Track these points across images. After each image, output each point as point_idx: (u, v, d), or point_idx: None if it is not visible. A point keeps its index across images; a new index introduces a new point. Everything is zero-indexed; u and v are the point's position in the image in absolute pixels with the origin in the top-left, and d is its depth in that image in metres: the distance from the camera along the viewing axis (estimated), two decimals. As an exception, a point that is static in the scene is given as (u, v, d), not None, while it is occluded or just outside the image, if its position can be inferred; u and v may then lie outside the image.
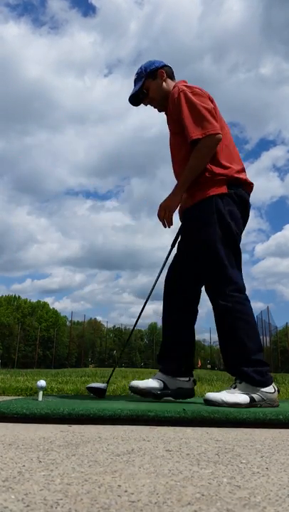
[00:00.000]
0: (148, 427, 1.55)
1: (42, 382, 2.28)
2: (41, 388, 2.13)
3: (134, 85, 2.42)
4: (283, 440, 1.34)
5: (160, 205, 2.31)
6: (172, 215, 2.30)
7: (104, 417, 1.60)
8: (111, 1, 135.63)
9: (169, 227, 2.34)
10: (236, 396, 1.98)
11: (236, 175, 2.21)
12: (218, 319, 2.15)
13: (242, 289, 2.12)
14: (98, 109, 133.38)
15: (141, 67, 2.41)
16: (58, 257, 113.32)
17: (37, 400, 2.07)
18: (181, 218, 2.42)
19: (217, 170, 2.17)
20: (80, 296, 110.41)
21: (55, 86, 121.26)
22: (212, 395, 2.01)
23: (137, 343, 67.59)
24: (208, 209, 2.16)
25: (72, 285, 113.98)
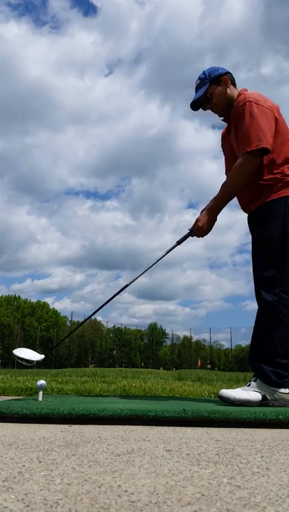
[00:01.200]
0: (148, 427, 1.55)
1: (42, 382, 2.28)
2: (41, 388, 2.13)
3: (197, 90, 2.43)
4: (283, 440, 1.34)
5: (196, 225, 2.34)
6: (208, 233, 2.37)
7: (104, 417, 1.60)
8: (112, 0, 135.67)
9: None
10: (248, 393, 2.04)
11: None
12: (259, 315, 2.18)
13: None
14: (99, 108, 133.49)
15: (204, 73, 2.41)
16: (58, 257, 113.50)
17: (37, 399, 2.07)
18: (248, 221, 2.41)
19: (288, 170, 2.19)
20: (80, 296, 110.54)
21: (56, 86, 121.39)
22: (226, 392, 2.07)
23: (137, 343, 67.56)
24: (275, 210, 2.18)
25: (72, 285, 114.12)
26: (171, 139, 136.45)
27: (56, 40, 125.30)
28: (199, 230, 2.33)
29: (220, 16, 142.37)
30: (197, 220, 2.33)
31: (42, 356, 2.07)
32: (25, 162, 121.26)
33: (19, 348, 2.15)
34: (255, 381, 2.08)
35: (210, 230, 2.36)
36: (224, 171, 2.58)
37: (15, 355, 2.03)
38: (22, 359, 2.00)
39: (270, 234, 2.18)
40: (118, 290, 2.49)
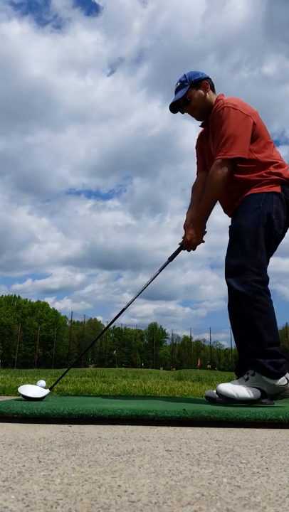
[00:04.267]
0: (148, 427, 1.55)
1: (42, 382, 2.28)
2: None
3: (176, 93, 2.44)
4: (283, 440, 1.34)
5: (186, 239, 2.36)
6: (198, 245, 2.41)
7: (104, 417, 1.60)
8: None
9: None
10: (248, 390, 2.03)
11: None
12: (234, 307, 2.17)
13: (265, 282, 2.13)
14: (100, 108, 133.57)
15: (185, 76, 2.42)
16: (58, 256, 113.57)
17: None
18: (232, 216, 2.42)
19: (273, 169, 2.23)
20: (80, 296, 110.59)
21: (57, 85, 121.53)
22: (224, 388, 2.05)
23: (137, 343, 67.56)
24: (258, 201, 2.20)
25: (72, 285, 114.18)
26: (173, 138, 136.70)
27: (58, 40, 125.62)
28: (189, 243, 2.37)
29: (222, 14, 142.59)
30: (186, 234, 2.38)
31: (47, 391, 2.11)
32: (26, 161, 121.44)
33: (24, 386, 2.13)
34: (253, 375, 2.06)
35: (200, 242, 2.39)
36: (196, 171, 2.61)
37: (21, 394, 2.05)
38: (28, 397, 2.01)
39: (245, 224, 2.20)
40: (121, 309, 2.51)
